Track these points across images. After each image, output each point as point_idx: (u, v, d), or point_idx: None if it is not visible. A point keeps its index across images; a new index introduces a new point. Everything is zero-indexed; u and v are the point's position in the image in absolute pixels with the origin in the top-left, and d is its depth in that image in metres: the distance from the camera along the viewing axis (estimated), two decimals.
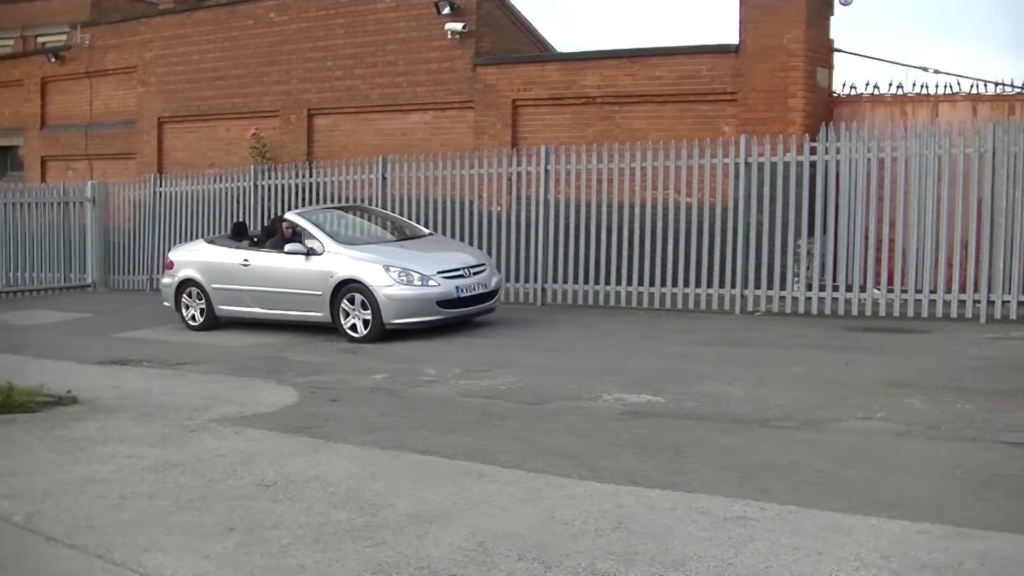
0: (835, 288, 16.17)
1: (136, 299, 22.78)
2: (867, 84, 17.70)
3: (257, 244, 17.10)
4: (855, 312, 15.89)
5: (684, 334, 14.73)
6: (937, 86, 17.26)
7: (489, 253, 18.71)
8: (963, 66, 42.66)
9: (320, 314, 15.90)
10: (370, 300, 15.33)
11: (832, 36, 18.21)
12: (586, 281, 18.06)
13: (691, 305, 17.04)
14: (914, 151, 15.58)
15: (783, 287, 16.55)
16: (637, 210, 17.57)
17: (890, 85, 17.47)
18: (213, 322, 17.35)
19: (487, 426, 9.89)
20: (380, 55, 22.58)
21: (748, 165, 16.69)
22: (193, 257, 17.84)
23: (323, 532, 6.82)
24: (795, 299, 16.42)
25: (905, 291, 15.60)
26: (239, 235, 17.71)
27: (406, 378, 12.47)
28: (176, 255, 18.37)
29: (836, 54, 18.20)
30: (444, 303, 15.43)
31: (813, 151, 16.29)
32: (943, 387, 10.77)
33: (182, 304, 17.68)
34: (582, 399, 10.93)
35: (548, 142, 19.11)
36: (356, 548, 6.50)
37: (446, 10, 21.19)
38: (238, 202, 22.44)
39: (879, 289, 15.89)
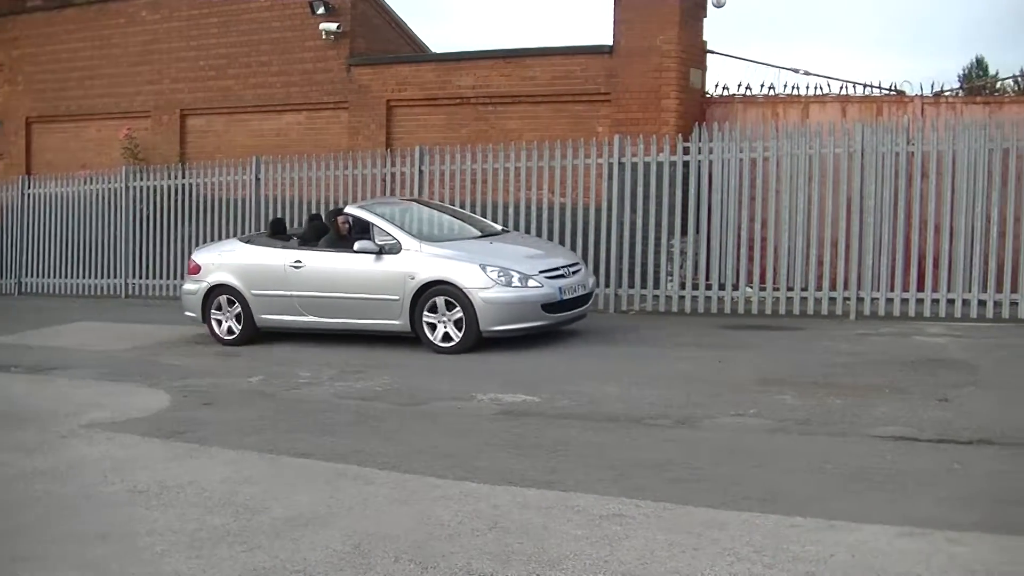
0: (708, 287, 16.36)
1: (4, 304, 22.27)
2: (739, 85, 17.96)
3: (305, 243, 15.19)
4: (728, 310, 16.07)
5: (557, 334, 14.75)
6: (808, 87, 17.55)
7: None
8: (833, 67, 43.58)
9: (396, 322, 14.14)
10: (463, 305, 13.61)
11: (705, 38, 18.40)
12: None
13: None
14: (785, 151, 15.81)
15: (657, 286, 16.70)
16: (511, 210, 17.60)
17: (762, 86, 17.76)
18: (252, 334, 15.30)
19: (363, 428, 9.84)
20: (254, 55, 22.34)
21: (622, 165, 16.80)
22: (227, 259, 15.60)
23: (198, 538, 6.72)
24: (669, 298, 16.59)
25: (777, 289, 15.84)
26: (277, 233, 15.85)
27: (281, 380, 12.36)
28: (203, 257, 16.07)
29: (709, 55, 18.39)
30: (547, 306, 13.81)
31: (686, 151, 16.45)
32: (814, 383, 10.95)
33: (211, 315, 15.54)
34: (457, 400, 10.93)
35: (423, 143, 19.06)
36: (231, 553, 6.42)
37: (320, 10, 21.01)
38: (110, 204, 22.06)
39: (751, 287, 16.10)
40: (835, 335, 13.80)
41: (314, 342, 14.88)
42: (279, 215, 19.04)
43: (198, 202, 20.83)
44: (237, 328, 15.34)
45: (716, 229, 16.24)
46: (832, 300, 15.51)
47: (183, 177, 21.28)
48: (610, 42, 18.17)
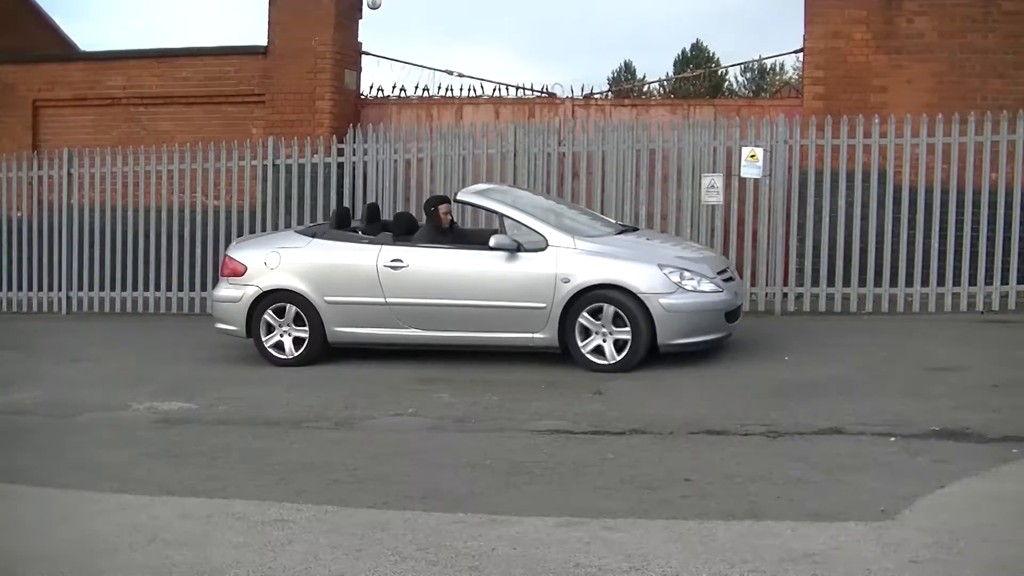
0: None
1: None
2: (394, 87, 18.00)
3: (397, 237, 12.46)
4: None
5: (215, 338, 14.29)
6: (461, 89, 17.75)
7: (9, 262, 17.89)
8: (486, 70, 44.54)
9: (539, 335, 11.55)
10: (633, 314, 11.18)
11: (360, 39, 18.39)
12: (112, 288, 17.46)
13: None
14: (440, 152, 15.96)
15: None
16: (165, 214, 17.16)
17: (416, 88, 17.83)
18: (321, 351, 12.40)
19: (12, 444, 9.38)
20: None
21: (276, 167, 16.62)
22: (288, 257, 12.52)
23: None
24: None
25: None
26: (343, 225, 13.11)
27: None
28: (248, 254, 12.88)
29: (364, 57, 18.38)
30: (728, 314, 11.71)
31: (340, 152, 16.42)
32: (470, 380, 11.11)
33: (262, 327, 12.52)
34: (112, 410, 10.58)
35: (72, 145, 18.34)
36: None
37: None
38: None
39: None
40: None
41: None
42: None
43: None
44: (300, 345, 12.46)
45: None
46: None
47: None
48: (265, 43, 17.95)
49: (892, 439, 8.21)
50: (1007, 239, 13.74)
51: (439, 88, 17.83)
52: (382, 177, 16.22)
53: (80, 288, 17.63)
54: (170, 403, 10.70)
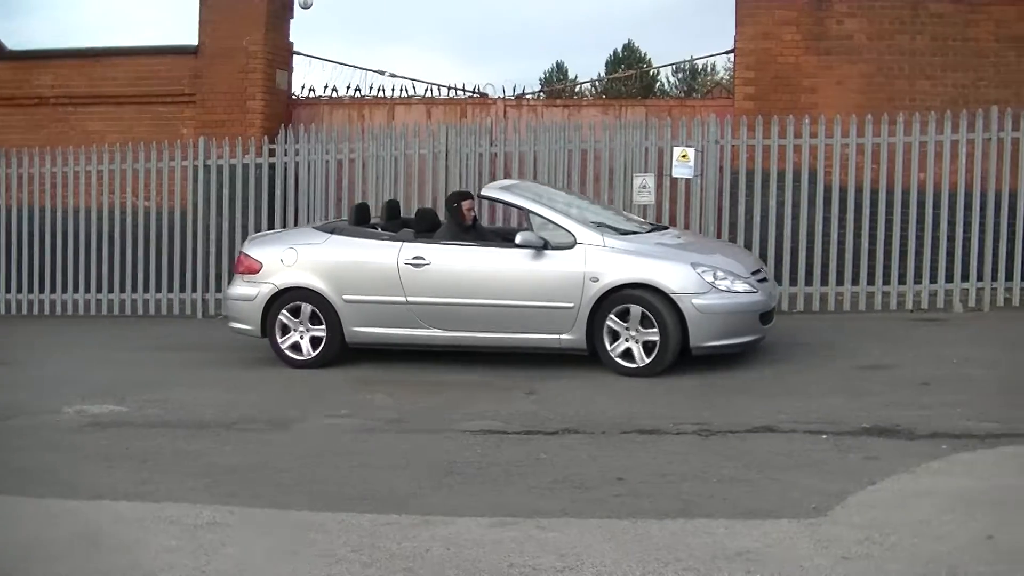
0: None
1: None
2: (326, 87, 17.92)
3: (419, 234, 12.03)
4: None
5: (146, 340, 14.34)
6: (393, 89, 17.73)
7: None
8: (419, 71, 44.41)
9: (566, 336, 11.11)
10: (663, 315, 10.75)
11: (292, 39, 18.29)
12: (42, 290, 17.25)
13: (152, 311, 16.59)
14: (371, 152, 15.91)
15: None
16: (94, 215, 16.99)
17: (348, 88, 17.77)
18: (339, 352, 11.97)
19: None
20: None
21: (207, 168, 16.48)
22: (305, 254, 12.07)
23: None
24: None
25: None
26: (362, 222, 12.65)
27: None
28: (264, 251, 12.39)
29: (296, 57, 18.29)
30: (762, 316, 11.28)
31: (272, 153, 16.33)
32: (406, 381, 11.08)
33: (277, 327, 12.08)
34: (42, 413, 10.40)
35: None
36: None
37: None
38: None
39: None
40: None
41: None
42: None
43: None
44: (317, 345, 12.01)
45: None
46: None
47: None
48: (195, 42, 17.82)
49: (824, 437, 8.28)
50: (935, 238, 13.90)
51: (371, 88, 17.79)
52: (314, 178, 16.15)
53: (7, 291, 17.42)
54: (100, 406, 10.56)
